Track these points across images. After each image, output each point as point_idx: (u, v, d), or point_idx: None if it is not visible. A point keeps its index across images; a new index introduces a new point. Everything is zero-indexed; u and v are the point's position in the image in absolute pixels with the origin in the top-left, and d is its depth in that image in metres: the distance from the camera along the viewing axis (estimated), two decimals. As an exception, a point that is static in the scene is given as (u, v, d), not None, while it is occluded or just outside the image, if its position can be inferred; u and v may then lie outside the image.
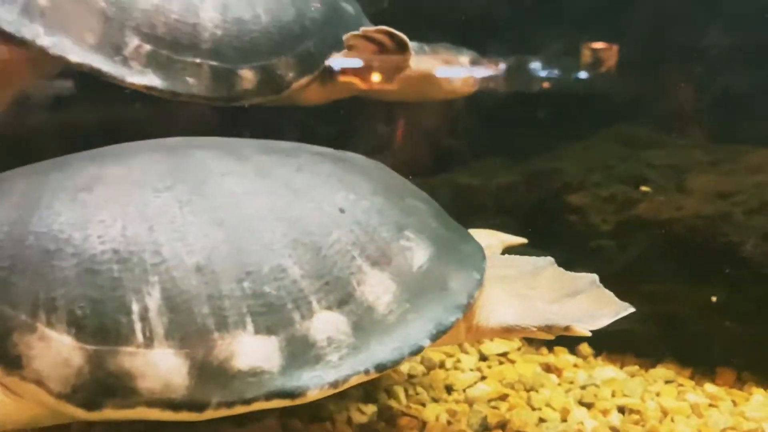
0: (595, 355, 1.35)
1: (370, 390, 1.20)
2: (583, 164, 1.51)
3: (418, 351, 0.77)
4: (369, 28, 1.05)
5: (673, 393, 1.21)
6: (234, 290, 0.69)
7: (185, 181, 0.75)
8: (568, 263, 1.33)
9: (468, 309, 0.83)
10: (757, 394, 1.20)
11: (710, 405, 1.17)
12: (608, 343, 1.35)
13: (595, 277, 0.93)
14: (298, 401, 0.71)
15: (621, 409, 1.16)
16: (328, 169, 0.85)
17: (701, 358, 1.28)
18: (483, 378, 1.26)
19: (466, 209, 1.49)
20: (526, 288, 0.92)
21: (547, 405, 1.17)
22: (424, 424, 1.09)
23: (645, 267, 1.31)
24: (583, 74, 1.65)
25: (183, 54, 0.92)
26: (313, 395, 0.71)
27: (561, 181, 1.44)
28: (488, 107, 1.64)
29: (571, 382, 1.25)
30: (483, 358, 1.34)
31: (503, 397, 1.19)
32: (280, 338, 0.70)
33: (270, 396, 0.69)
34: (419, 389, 1.22)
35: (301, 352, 0.71)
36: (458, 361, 1.31)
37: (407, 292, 0.79)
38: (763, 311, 1.21)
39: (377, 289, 0.77)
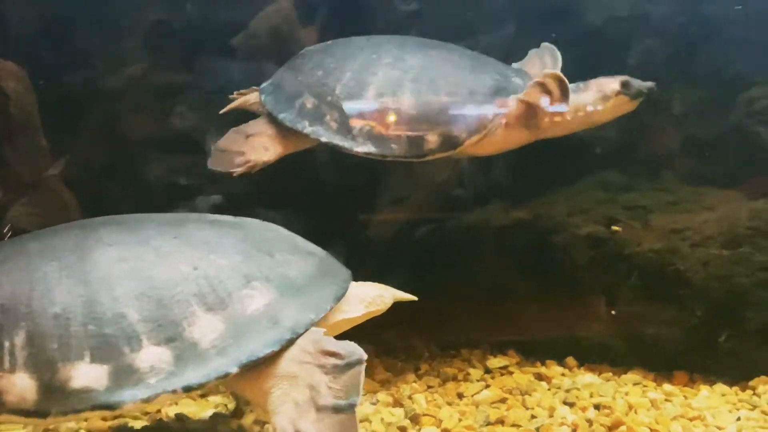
0: (579, 366, 1.66)
1: (397, 398, 1.52)
2: (566, 209, 1.83)
3: (223, 376, 0.97)
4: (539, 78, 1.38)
5: (639, 392, 1.52)
6: (79, 332, 0.96)
7: (75, 252, 1.02)
8: (551, 291, 1.66)
9: (291, 342, 1.02)
10: (704, 390, 1.51)
11: (666, 400, 1.48)
12: (589, 355, 1.66)
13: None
14: (117, 412, 0.98)
15: (596, 406, 1.47)
16: (204, 236, 1.09)
17: (661, 364, 1.59)
18: (487, 386, 1.57)
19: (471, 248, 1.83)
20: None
21: (538, 405, 1.49)
22: (440, 421, 1.41)
23: (615, 293, 1.63)
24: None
25: (389, 129, 1.36)
26: (128, 407, 0.96)
27: (546, 224, 1.76)
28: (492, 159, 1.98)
29: (558, 387, 1.56)
30: (487, 371, 1.65)
31: (503, 400, 1.51)
32: (110, 366, 0.95)
33: (95, 407, 0.95)
34: (436, 396, 1.54)
35: (125, 376, 0.95)
36: (467, 374, 1.63)
37: (234, 330, 1.00)
38: (705, 324, 1.52)
39: (205, 329, 0.99)
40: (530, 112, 1.41)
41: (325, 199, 1.90)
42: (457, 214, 1.95)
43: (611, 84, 1.44)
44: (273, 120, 1.44)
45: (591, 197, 1.86)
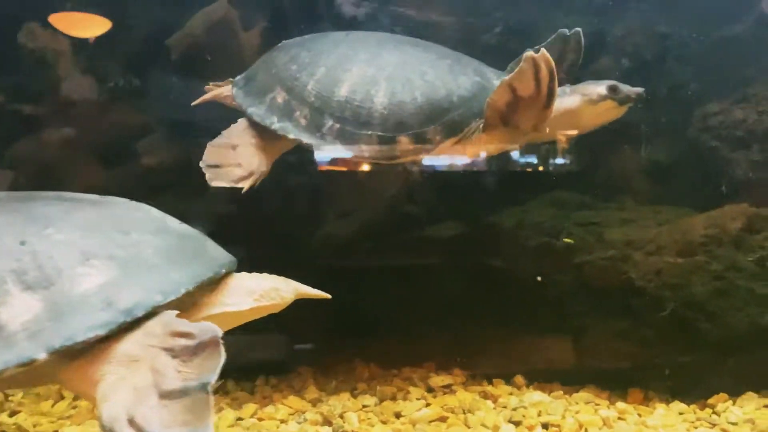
0: (528, 385, 1.54)
1: (327, 416, 1.38)
2: (515, 222, 1.74)
3: (27, 363, 0.84)
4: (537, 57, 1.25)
5: (590, 411, 1.40)
6: None
7: None
8: (500, 306, 1.56)
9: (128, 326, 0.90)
10: (660, 408, 1.39)
11: (619, 418, 1.36)
12: (539, 374, 1.54)
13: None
14: None
15: (545, 425, 1.34)
16: (48, 211, 0.97)
17: (615, 381, 1.47)
18: (428, 405, 1.44)
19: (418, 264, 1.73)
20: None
21: (482, 424, 1.36)
22: (371, 439, 1.28)
23: (565, 305, 1.53)
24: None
25: (360, 128, 1.28)
26: None
27: (495, 237, 1.67)
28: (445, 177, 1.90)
29: (505, 406, 1.43)
30: (430, 390, 1.52)
31: (443, 419, 1.38)
32: None
33: None
34: (371, 415, 1.41)
35: None
36: (408, 392, 1.50)
37: (55, 312, 0.87)
38: (660, 337, 1.41)
39: (17, 310, 0.86)
40: (508, 110, 1.31)
41: (267, 210, 1.80)
42: (405, 230, 1.86)
43: (598, 88, 1.37)
44: (251, 124, 1.35)
45: (544, 213, 1.79)
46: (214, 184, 1.32)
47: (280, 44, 1.45)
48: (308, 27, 1.77)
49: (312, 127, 1.30)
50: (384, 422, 1.37)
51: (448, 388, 1.52)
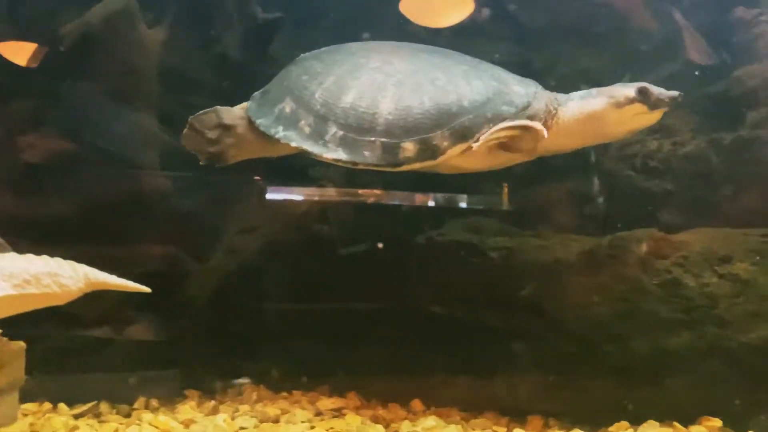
0: (426, 410, 1.43)
1: (197, 437, 1.25)
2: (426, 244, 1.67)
3: None
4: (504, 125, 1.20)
5: (486, 438, 1.30)
6: None
7: None
8: (398, 329, 1.46)
9: None
10: (560, 436, 1.30)
11: (516, 444, 1.26)
12: (438, 398, 1.44)
13: None
14: None
15: (434, 450, 1.24)
16: None
17: (515, 408, 1.38)
18: (312, 427, 1.32)
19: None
20: None
21: (368, 448, 1.24)
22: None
23: (465, 325, 1.44)
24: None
25: (363, 135, 1.21)
26: None
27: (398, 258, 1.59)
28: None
29: (397, 431, 1.32)
30: (318, 413, 1.40)
31: (327, 443, 1.26)
32: None
33: None
34: (247, 438, 1.28)
35: None
36: (293, 415, 1.37)
37: None
38: (562, 360, 1.34)
39: None
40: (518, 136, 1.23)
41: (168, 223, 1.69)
42: (312, 248, 1.76)
43: (626, 90, 1.23)
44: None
45: (458, 237, 1.72)
46: (183, 143, 1.34)
47: (297, 58, 1.41)
48: (217, 28, 1.72)
49: (315, 135, 1.24)
50: (260, 445, 1.24)
51: (338, 412, 1.41)
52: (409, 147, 1.20)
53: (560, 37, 1.85)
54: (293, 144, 1.25)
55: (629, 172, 1.74)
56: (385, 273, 1.62)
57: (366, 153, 1.21)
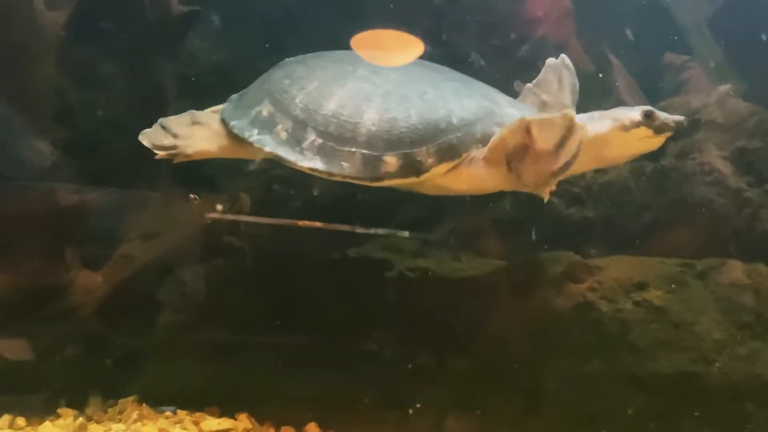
0: (321, 434, 1.32)
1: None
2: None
3: None
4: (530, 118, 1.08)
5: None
6: None
7: None
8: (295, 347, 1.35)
9: None
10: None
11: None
12: (335, 421, 1.34)
13: None
14: None
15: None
16: None
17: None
18: (189, 451, 1.20)
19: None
20: None
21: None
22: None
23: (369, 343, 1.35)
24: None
25: (343, 145, 1.14)
26: None
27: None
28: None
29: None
30: (201, 434, 1.28)
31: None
32: None
33: None
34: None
35: None
36: (175, 437, 1.25)
37: None
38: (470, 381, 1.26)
39: None
40: (515, 155, 1.13)
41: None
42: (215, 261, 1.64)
43: (631, 113, 1.18)
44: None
45: (374, 255, 1.64)
46: (141, 138, 1.26)
47: (281, 62, 1.33)
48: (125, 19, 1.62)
49: (292, 142, 1.17)
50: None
51: (225, 433, 1.28)
52: (390, 161, 1.13)
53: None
54: (267, 149, 1.18)
55: (551, 198, 1.70)
56: (289, 288, 1.52)
57: (344, 164, 1.14)
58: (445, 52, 1.73)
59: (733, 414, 1.26)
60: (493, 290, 1.40)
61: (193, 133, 1.26)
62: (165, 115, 1.80)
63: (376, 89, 1.18)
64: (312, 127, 1.16)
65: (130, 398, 1.43)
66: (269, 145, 1.17)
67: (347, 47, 1.73)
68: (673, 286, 1.35)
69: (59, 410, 1.41)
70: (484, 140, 1.14)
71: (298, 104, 1.19)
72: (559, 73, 1.30)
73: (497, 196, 1.75)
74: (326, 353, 1.40)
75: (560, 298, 1.35)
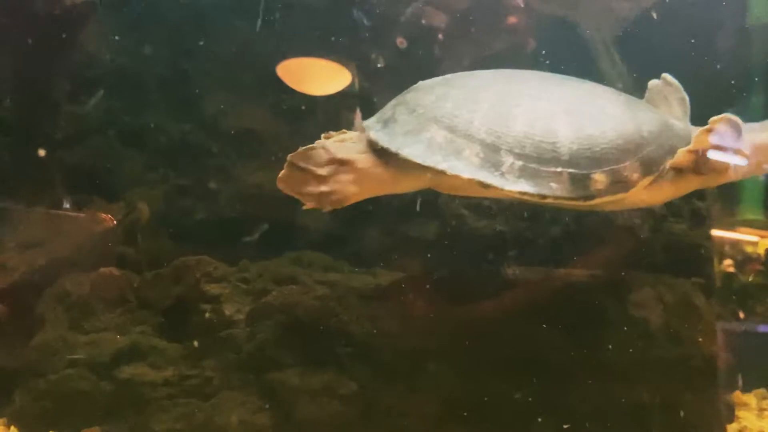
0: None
1: None
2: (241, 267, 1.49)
3: None
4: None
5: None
6: None
7: None
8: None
9: None
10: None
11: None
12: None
13: None
14: None
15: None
16: None
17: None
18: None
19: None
20: None
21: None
22: None
23: (270, 357, 1.26)
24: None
25: (546, 165, 1.11)
26: None
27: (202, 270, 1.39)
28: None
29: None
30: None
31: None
32: None
33: None
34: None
35: None
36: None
37: None
38: (365, 390, 1.19)
39: None
40: (701, 160, 1.17)
41: None
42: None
43: None
44: (377, 153, 1.18)
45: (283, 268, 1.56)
46: (280, 186, 1.16)
47: (414, 86, 1.26)
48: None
49: (488, 166, 1.12)
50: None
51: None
52: (599, 179, 1.12)
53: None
54: (465, 175, 1.11)
55: (462, 210, 1.68)
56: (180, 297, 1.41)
57: (553, 185, 1.12)
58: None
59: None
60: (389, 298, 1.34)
61: (339, 177, 1.16)
62: (57, 114, 1.72)
63: (555, 107, 1.17)
64: (506, 150, 1.13)
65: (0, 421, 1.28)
66: (465, 171, 1.11)
67: (260, 51, 1.68)
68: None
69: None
70: (672, 150, 1.17)
71: (479, 127, 1.14)
72: (663, 92, 1.32)
73: (407, 212, 1.73)
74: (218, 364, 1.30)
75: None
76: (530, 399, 1.24)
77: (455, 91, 1.20)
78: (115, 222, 1.65)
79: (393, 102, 1.26)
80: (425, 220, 1.71)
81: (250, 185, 1.73)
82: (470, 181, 1.11)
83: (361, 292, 1.33)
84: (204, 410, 1.25)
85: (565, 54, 1.71)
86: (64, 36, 1.64)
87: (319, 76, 1.67)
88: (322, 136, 1.23)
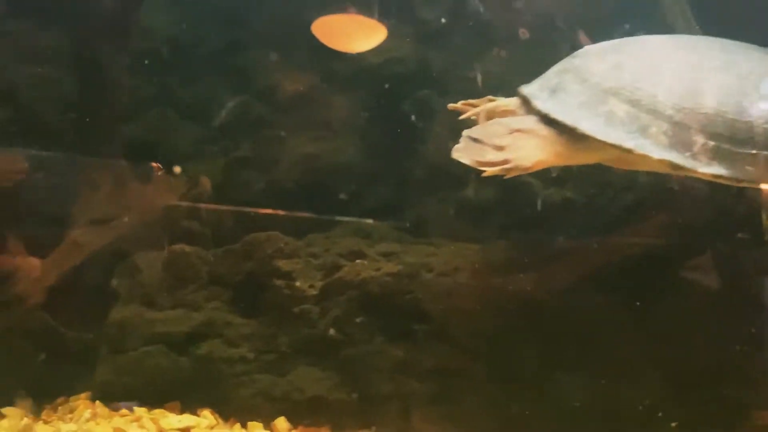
0: (292, 428, 1.23)
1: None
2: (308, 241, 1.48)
3: None
4: None
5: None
6: None
7: None
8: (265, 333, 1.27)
9: None
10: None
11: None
12: (305, 414, 1.24)
13: None
14: None
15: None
16: None
17: (396, 424, 1.20)
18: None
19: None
20: None
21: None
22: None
23: (342, 329, 1.26)
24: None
25: (740, 147, 1.05)
26: None
27: (273, 246, 1.39)
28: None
29: (256, 453, 1.11)
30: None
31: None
32: None
33: None
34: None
35: None
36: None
37: None
38: (443, 369, 1.18)
39: None
40: None
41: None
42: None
43: None
44: (550, 123, 1.11)
45: (344, 239, 1.54)
46: (456, 156, 1.09)
47: (580, 51, 1.20)
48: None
49: (678, 146, 1.06)
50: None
51: (186, 431, 1.17)
52: None
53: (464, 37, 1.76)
54: (654, 155, 1.05)
55: (528, 179, 1.63)
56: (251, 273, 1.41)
57: (749, 168, 1.05)
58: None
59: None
60: (471, 275, 1.32)
61: (520, 143, 1.12)
62: (119, 89, 1.72)
63: (744, 82, 1.09)
64: (696, 129, 1.07)
65: (82, 395, 1.32)
66: (654, 151, 1.05)
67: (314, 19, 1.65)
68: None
69: (3, 410, 1.28)
70: None
71: (665, 102, 1.08)
72: None
73: (469, 178, 1.69)
74: (294, 341, 1.30)
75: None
76: (614, 374, 1.22)
77: (631, 61, 1.13)
78: (178, 197, 1.65)
79: (556, 68, 1.19)
80: (485, 187, 1.68)
81: (307, 155, 1.72)
82: (660, 161, 1.04)
83: (434, 269, 1.30)
84: (281, 386, 1.26)
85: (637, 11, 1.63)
86: (120, 8, 1.63)
87: (354, 33, 1.62)
88: (487, 98, 1.23)
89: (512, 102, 1.20)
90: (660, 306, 1.25)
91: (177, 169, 1.62)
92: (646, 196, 1.48)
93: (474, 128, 1.12)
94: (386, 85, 1.71)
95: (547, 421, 1.18)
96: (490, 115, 1.22)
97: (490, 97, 1.27)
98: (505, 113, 1.21)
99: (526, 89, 1.18)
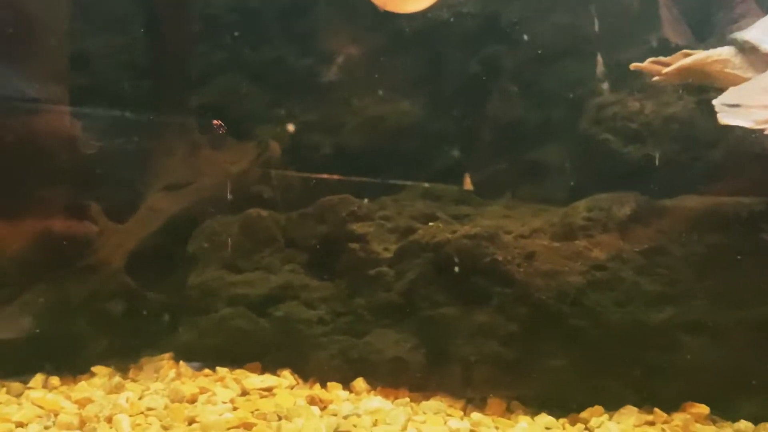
0: (371, 390, 1.24)
1: (86, 418, 1.05)
2: (380, 204, 1.47)
3: None
4: None
5: (439, 422, 1.11)
6: None
7: None
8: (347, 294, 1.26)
9: None
10: (523, 420, 1.12)
11: (472, 431, 1.07)
12: (384, 377, 1.24)
13: None
14: None
15: (378, 437, 1.04)
16: None
17: (473, 388, 1.19)
18: (235, 409, 1.12)
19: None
20: None
21: (298, 433, 1.04)
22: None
23: (419, 292, 1.25)
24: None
25: None
26: None
27: (347, 210, 1.38)
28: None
29: (334, 414, 1.12)
30: (244, 392, 1.19)
31: (248, 426, 1.06)
32: None
33: None
34: (152, 419, 1.06)
35: None
36: (213, 394, 1.16)
37: None
38: (527, 334, 1.15)
39: None
40: None
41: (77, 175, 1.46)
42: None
43: None
44: None
45: (413, 203, 1.52)
46: (726, 121, 1.09)
47: None
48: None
49: None
50: (166, 428, 1.03)
51: (268, 391, 1.20)
52: None
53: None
54: None
55: (606, 135, 1.56)
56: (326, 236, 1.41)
57: None
58: None
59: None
60: (551, 235, 1.28)
61: None
62: (188, 55, 1.73)
63: None
64: None
65: (166, 355, 1.36)
66: None
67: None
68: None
69: (93, 368, 1.33)
70: None
71: None
72: None
73: (542, 135, 1.63)
74: (371, 304, 1.30)
75: (627, 241, 1.23)
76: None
77: None
78: (248, 162, 1.66)
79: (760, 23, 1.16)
80: (558, 146, 1.62)
81: (373, 117, 1.69)
82: None
83: (512, 230, 1.27)
84: (358, 347, 1.26)
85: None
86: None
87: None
88: (682, 52, 1.21)
89: (725, 51, 1.17)
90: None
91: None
92: (733, 153, 1.40)
93: (723, 95, 1.10)
94: (454, 42, 1.67)
95: (632, 390, 1.15)
96: (693, 69, 1.20)
97: (685, 51, 1.24)
98: (716, 64, 1.17)
99: (747, 35, 1.14)
